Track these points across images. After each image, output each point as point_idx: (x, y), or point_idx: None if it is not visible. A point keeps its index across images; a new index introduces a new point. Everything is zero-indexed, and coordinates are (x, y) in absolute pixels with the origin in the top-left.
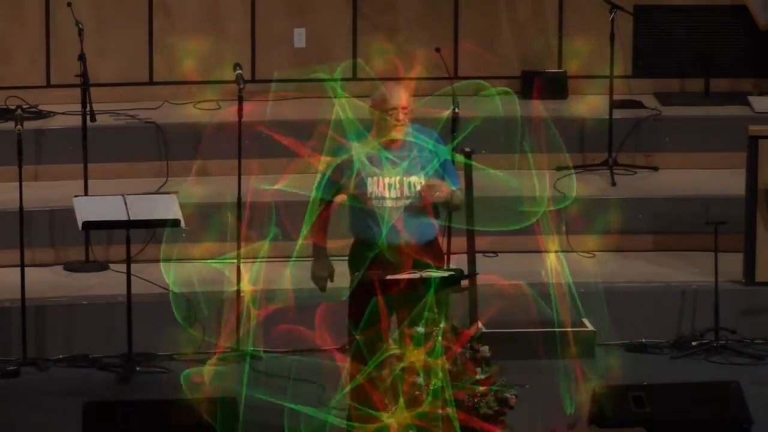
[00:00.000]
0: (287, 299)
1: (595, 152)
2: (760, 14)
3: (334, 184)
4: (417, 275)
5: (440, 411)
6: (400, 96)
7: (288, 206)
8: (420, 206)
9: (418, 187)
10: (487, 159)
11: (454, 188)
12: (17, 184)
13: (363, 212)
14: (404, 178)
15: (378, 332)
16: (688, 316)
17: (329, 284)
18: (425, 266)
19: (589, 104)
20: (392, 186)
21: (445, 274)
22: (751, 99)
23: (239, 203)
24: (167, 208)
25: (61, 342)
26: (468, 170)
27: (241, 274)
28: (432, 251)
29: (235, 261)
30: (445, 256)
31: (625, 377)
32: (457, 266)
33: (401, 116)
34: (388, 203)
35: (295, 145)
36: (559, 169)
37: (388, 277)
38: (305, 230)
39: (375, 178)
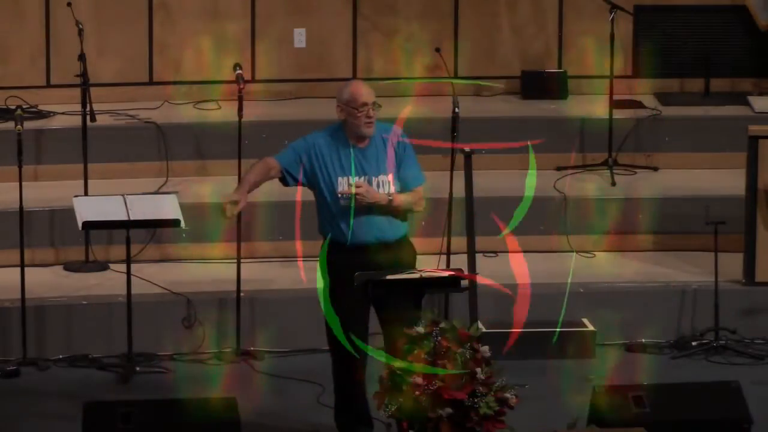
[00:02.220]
0: None
1: (595, 152)
2: (760, 14)
3: (296, 154)
4: (417, 275)
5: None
6: (369, 93)
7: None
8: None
9: (387, 186)
10: (487, 159)
11: (389, 196)
12: (17, 184)
13: (332, 212)
14: (373, 177)
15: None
16: (688, 316)
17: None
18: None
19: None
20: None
21: (445, 274)
22: (751, 99)
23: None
24: (167, 208)
25: (61, 342)
26: (468, 170)
27: None
28: (404, 249)
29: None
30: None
31: (625, 377)
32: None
33: (371, 113)
34: (357, 202)
35: None
36: (559, 169)
37: (389, 277)
38: None
39: (344, 178)
